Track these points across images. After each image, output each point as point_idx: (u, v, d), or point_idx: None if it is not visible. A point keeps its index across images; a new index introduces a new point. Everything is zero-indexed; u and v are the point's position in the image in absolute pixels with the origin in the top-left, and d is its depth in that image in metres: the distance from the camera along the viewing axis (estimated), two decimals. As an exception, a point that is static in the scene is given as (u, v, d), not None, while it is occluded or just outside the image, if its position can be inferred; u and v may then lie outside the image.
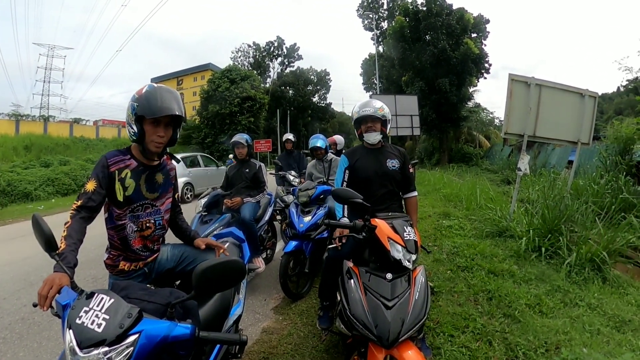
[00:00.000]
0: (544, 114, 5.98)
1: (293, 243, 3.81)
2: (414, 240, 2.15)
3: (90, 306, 1.28)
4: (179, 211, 2.37)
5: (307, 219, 4.00)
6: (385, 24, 34.71)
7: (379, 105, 2.81)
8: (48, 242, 1.50)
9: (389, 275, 2.05)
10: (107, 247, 2.06)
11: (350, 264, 2.23)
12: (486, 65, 25.91)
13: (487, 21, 26.55)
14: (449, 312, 3.34)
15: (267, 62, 58.03)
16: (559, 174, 10.31)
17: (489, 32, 26.78)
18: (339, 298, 2.60)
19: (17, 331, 3.67)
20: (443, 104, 24.01)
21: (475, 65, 24.53)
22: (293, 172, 5.41)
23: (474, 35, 25.97)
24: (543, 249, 4.61)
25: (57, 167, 21.96)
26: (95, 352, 1.18)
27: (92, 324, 1.23)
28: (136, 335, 1.22)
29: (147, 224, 2.04)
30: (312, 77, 59.67)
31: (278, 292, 4.05)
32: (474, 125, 27.67)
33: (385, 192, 2.80)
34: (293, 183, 5.09)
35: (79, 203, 1.80)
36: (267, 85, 53.07)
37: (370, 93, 36.58)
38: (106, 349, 1.18)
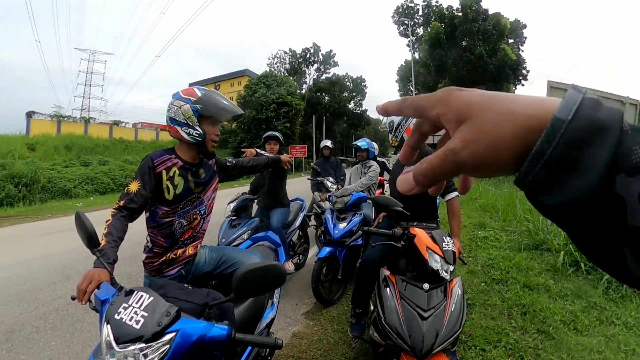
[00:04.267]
0: None
1: (327, 249, 3.82)
2: (453, 251, 2.15)
3: (130, 303, 1.30)
4: (236, 164, 2.46)
5: (343, 225, 4.01)
6: (420, 30, 34.39)
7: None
8: (90, 238, 1.53)
9: (425, 286, 2.05)
10: (146, 247, 2.09)
11: (387, 272, 2.24)
12: (524, 71, 25.31)
13: (524, 26, 26.01)
14: (482, 326, 3.29)
15: (303, 69, 58.12)
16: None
17: (526, 38, 26.23)
18: (372, 306, 2.61)
19: (51, 321, 3.79)
20: None
21: (512, 72, 24.04)
22: (331, 179, 5.42)
23: (510, 40, 25.45)
24: (581, 264, 4.48)
25: (97, 167, 22.81)
26: (132, 347, 1.19)
27: (130, 320, 1.25)
28: (173, 334, 1.24)
29: (194, 216, 2.09)
30: (347, 83, 59.58)
31: (310, 297, 4.06)
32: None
33: (419, 201, 2.75)
34: (330, 189, 5.13)
35: (121, 203, 1.83)
36: (303, 91, 53.30)
37: (407, 100, 36.32)
38: (142, 345, 1.20)
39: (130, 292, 1.34)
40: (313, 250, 5.37)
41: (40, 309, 4.08)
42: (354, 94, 60.40)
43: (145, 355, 1.17)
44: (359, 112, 62.05)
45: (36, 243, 7.33)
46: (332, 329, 3.45)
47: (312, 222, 5.57)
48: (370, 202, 4.50)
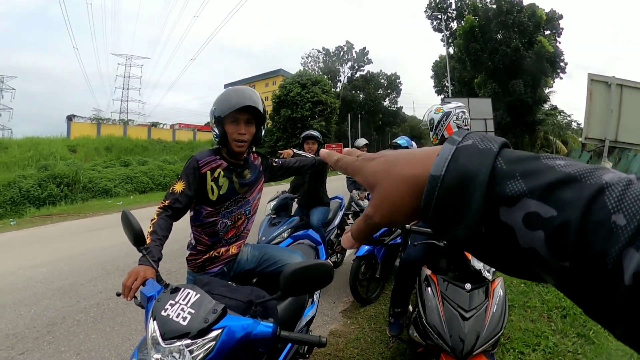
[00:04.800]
0: (626, 116, 5.55)
1: (365, 247, 3.79)
2: None
3: (177, 300, 1.32)
4: (282, 165, 2.43)
5: None
6: (454, 25, 33.66)
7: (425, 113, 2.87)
8: (137, 237, 1.56)
9: (467, 286, 2.05)
10: (190, 244, 2.12)
11: (429, 272, 2.24)
12: (562, 64, 24.42)
13: (560, 17, 25.03)
14: (521, 328, 3.25)
15: (337, 67, 57.94)
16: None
17: (562, 29, 25.31)
18: (411, 306, 2.63)
19: (92, 315, 3.92)
20: (517, 107, 22.90)
21: (550, 64, 23.22)
22: None
23: (547, 32, 24.58)
24: None
25: (136, 167, 23.55)
26: (178, 343, 1.21)
27: (177, 316, 1.27)
28: (219, 331, 1.25)
29: (239, 216, 2.10)
30: (382, 80, 58.93)
31: (347, 295, 4.09)
32: (550, 129, 26.13)
33: None
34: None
35: (166, 203, 1.86)
36: (338, 89, 53.09)
37: (442, 96, 35.63)
38: (189, 341, 1.21)
39: (176, 289, 1.38)
40: (351, 249, 5.39)
41: (82, 303, 4.24)
42: (388, 91, 59.62)
43: (191, 352, 1.20)
44: (394, 109, 61.23)
45: (78, 240, 7.65)
46: (369, 328, 3.47)
47: (350, 220, 5.60)
48: None
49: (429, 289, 2.13)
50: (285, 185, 5.44)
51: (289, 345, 1.88)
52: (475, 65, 25.61)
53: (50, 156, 22.47)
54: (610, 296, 0.27)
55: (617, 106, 5.56)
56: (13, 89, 52.05)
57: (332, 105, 36.88)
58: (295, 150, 4.06)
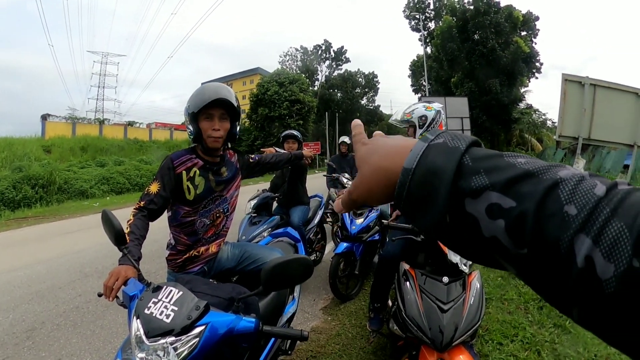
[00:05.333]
0: (599, 115, 5.73)
1: (344, 244, 3.84)
2: None
3: (159, 297, 1.32)
4: (259, 160, 2.45)
5: (360, 221, 4.05)
6: (432, 25, 34.07)
7: (407, 111, 2.84)
8: (118, 236, 1.54)
9: (445, 279, 2.08)
10: (169, 244, 2.09)
11: (407, 266, 2.26)
12: (537, 64, 25.04)
13: (537, 18, 25.71)
14: (499, 320, 3.31)
15: (315, 66, 57.75)
16: (615, 178, 9.83)
17: (538, 30, 25.98)
18: (390, 301, 2.64)
19: (72, 319, 3.85)
20: (494, 106, 23.35)
21: (526, 64, 23.76)
22: (347, 175, 5.44)
23: (523, 33, 25.16)
24: None
25: (112, 167, 23.21)
26: (162, 341, 1.21)
27: (160, 314, 1.27)
28: (202, 327, 1.26)
29: (217, 214, 2.09)
30: (360, 79, 59.01)
31: (327, 292, 4.11)
32: (525, 127, 26.76)
33: None
34: (346, 185, 5.16)
35: (141, 204, 1.85)
36: (316, 88, 52.97)
37: (419, 95, 36.02)
38: (173, 338, 1.22)
39: (159, 288, 1.37)
40: (330, 247, 5.42)
41: (61, 307, 4.15)
42: (366, 89, 59.73)
43: (175, 349, 1.20)
44: (371, 108, 61.33)
45: (55, 243, 7.48)
46: (350, 323, 3.49)
47: (329, 218, 5.62)
48: None
49: (408, 283, 2.15)
50: (265, 184, 5.42)
51: (272, 341, 1.90)
52: (453, 64, 25.98)
53: (25, 157, 22.01)
54: (565, 280, 0.29)
55: (591, 105, 5.74)
56: None
57: (309, 104, 36.84)
58: (277, 149, 4.06)
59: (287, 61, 56.54)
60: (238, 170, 2.23)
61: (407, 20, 35.00)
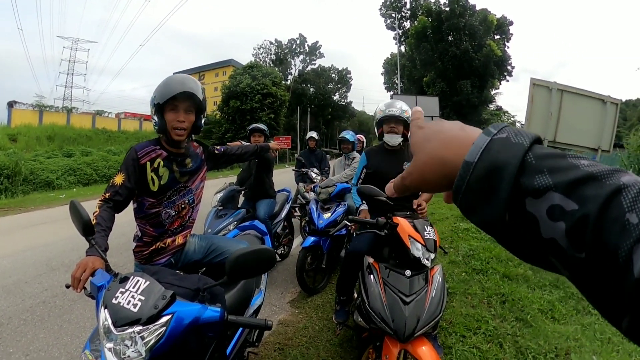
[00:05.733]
0: (565, 119, 5.93)
1: (311, 238, 3.86)
2: (434, 240, 2.21)
3: (127, 287, 1.34)
4: (225, 152, 2.44)
5: (327, 215, 4.07)
6: (407, 24, 34.51)
7: (405, 108, 2.80)
8: (86, 226, 1.54)
9: (407, 272, 2.11)
10: (136, 236, 2.09)
11: (371, 260, 2.28)
12: (509, 67, 25.68)
13: (511, 23, 26.35)
14: (462, 314, 3.39)
15: (288, 59, 57.74)
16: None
17: (512, 34, 26.62)
18: (356, 294, 2.66)
19: (38, 314, 3.79)
20: (464, 106, 23.86)
21: (497, 67, 24.36)
22: (315, 170, 5.46)
23: (497, 37, 25.75)
24: None
25: (79, 158, 22.56)
26: (129, 330, 1.22)
27: (127, 304, 1.28)
28: (169, 316, 1.27)
29: (182, 205, 2.09)
30: (333, 75, 59.39)
31: (294, 286, 4.13)
32: (494, 128, 27.53)
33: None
34: (315, 180, 5.17)
35: (107, 195, 1.84)
36: (288, 82, 52.92)
37: (392, 93, 36.44)
38: (140, 327, 1.23)
39: (126, 278, 1.37)
40: (297, 241, 5.43)
41: (27, 302, 4.07)
42: (339, 85, 60.23)
43: (142, 338, 1.21)
44: (343, 104, 61.88)
45: (20, 236, 7.26)
46: (316, 316, 3.51)
47: (297, 212, 5.61)
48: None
49: (372, 276, 2.17)
50: (232, 177, 5.36)
51: (239, 332, 1.96)
52: (425, 64, 26.38)
53: None
54: (619, 288, 0.29)
55: (557, 109, 5.92)
56: None
57: (282, 97, 36.72)
58: (243, 143, 4.02)
59: (261, 54, 56.47)
60: (203, 161, 2.23)
61: (383, 19, 35.38)
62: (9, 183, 15.93)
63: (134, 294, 1.31)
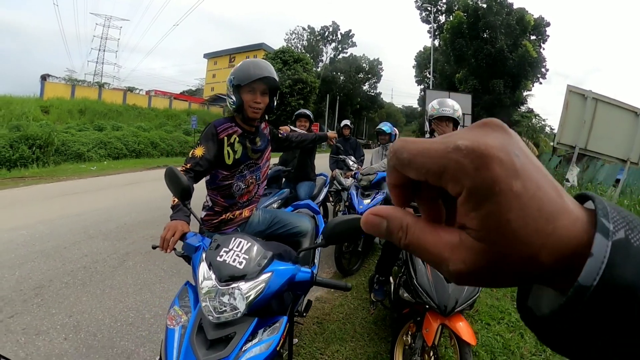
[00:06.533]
0: (597, 128, 5.96)
1: None
2: None
3: (230, 247, 1.48)
4: (287, 137, 2.65)
5: (367, 201, 4.29)
6: (442, 18, 34.01)
7: (457, 107, 2.97)
8: (184, 192, 1.65)
9: None
10: (206, 206, 2.25)
11: None
12: (543, 70, 25.08)
13: (548, 24, 25.70)
14: (487, 304, 3.60)
15: (320, 47, 57.37)
16: (606, 191, 10.08)
17: (548, 36, 25.98)
18: (392, 279, 2.92)
19: (80, 278, 3.94)
20: (495, 106, 23.43)
21: (531, 68, 23.82)
22: (352, 158, 5.69)
23: (532, 37, 25.16)
24: None
25: (110, 132, 22.85)
26: (234, 285, 1.36)
27: (233, 262, 1.42)
28: (269, 274, 1.42)
29: (251, 180, 2.26)
30: (364, 64, 58.67)
31: (330, 267, 4.37)
32: (524, 130, 26.88)
33: None
34: (352, 168, 5.39)
35: (187, 166, 1.98)
36: (319, 69, 52.40)
37: (422, 87, 36.13)
38: (243, 283, 1.37)
39: (227, 239, 1.53)
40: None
41: (68, 266, 4.22)
42: (369, 75, 59.37)
43: (244, 292, 1.35)
44: (373, 94, 61.18)
45: (54, 204, 7.48)
46: (351, 296, 3.75)
47: (331, 198, 5.83)
48: None
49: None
50: (274, 159, 5.62)
51: (301, 298, 2.19)
52: (459, 60, 26.01)
53: (23, 116, 21.41)
54: None
55: (590, 118, 5.93)
56: None
57: (312, 84, 36.27)
58: (291, 127, 4.29)
59: (293, 39, 56.09)
60: (269, 142, 2.42)
61: (419, 11, 34.96)
62: (41, 153, 16.31)
63: (238, 253, 1.45)
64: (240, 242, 1.51)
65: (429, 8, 32.66)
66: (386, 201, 4.40)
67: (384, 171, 4.91)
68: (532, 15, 24.42)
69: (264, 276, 1.41)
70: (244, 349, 1.32)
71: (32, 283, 3.78)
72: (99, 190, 9.67)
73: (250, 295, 1.36)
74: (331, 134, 3.23)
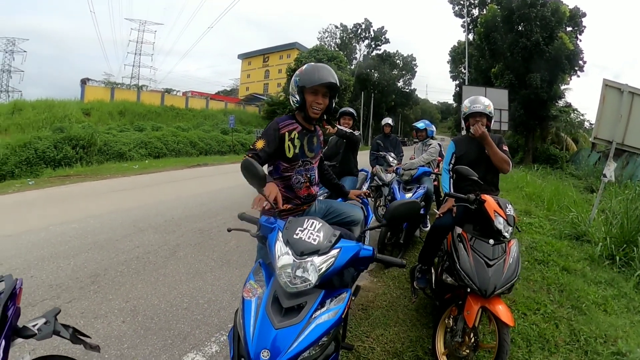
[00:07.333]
0: (634, 122, 5.83)
1: None
2: (513, 216, 2.63)
3: (304, 227, 1.69)
4: (326, 168, 2.86)
5: (409, 195, 4.52)
6: (476, 12, 33.35)
7: (487, 103, 3.18)
8: (261, 180, 1.84)
9: (491, 241, 2.55)
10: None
11: (460, 230, 2.73)
12: (580, 62, 24.12)
13: (584, 14, 24.71)
14: (524, 296, 3.75)
15: (353, 44, 57.39)
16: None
17: (585, 27, 25.02)
18: (433, 269, 3.18)
19: (134, 267, 4.20)
20: (532, 101, 22.73)
21: (568, 61, 22.88)
22: (392, 154, 5.87)
23: (569, 29, 24.25)
24: (617, 257, 4.82)
25: (150, 132, 23.91)
26: (309, 258, 1.56)
27: (308, 239, 1.63)
28: (338, 250, 1.63)
29: (309, 176, 2.44)
30: (398, 61, 58.49)
31: None
32: (562, 126, 26.10)
33: (485, 175, 3.09)
34: (392, 164, 5.60)
35: (249, 155, 2.15)
36: (353, 67, 52.51)
37: (457, 82, 35.60)
38: (317, 256, 1.57)
39: (302, 220, 1.74)
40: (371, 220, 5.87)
41: (121, 257, 4.50)
42: (403, 72, 59.14)
43: (316, 265, 1.56)
44: (407, 91, 60.75)
45: (102, 200, 7.97)
46: (394, 285, 3.98)
47: (371, 193, 6.04)
48: (433, 176, 5.08)
49: (461, 243, 2.63)
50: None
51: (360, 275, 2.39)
52: (494, 54, 25.43)
53: (65, 118, 22.72)
54: None
55: (627, 112, 5.81)
56: (24, 51, 52.93)
57: (346, 82, 36.26)
58: (338, 126, 4.54)
59: (326, 38, 56.17)
60: (321, 143, 2.64)
61: (451, 5, 34.42)
62: (84, 153, 17.36)
63: (312, 232, 1.67)
64: (313, 222, 1.73)
65: (462, 2, 32.03)
66: (427, 195, 4.64)
67: (424, 166, 5.15)
68: (567, 6, 23.50)
69: (334, 251, 1.62)
70: (314, 316, 1.50)
71: (88, 272, 4.06)
72: (143, 187, 10.20)
73: (322, 268, 1.57)
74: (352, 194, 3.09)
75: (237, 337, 1.58)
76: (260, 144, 2.24)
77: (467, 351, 2.40)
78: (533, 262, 4.74)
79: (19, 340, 1.45)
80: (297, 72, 2.32)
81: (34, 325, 1.49)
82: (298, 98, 2.32)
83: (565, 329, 3.22)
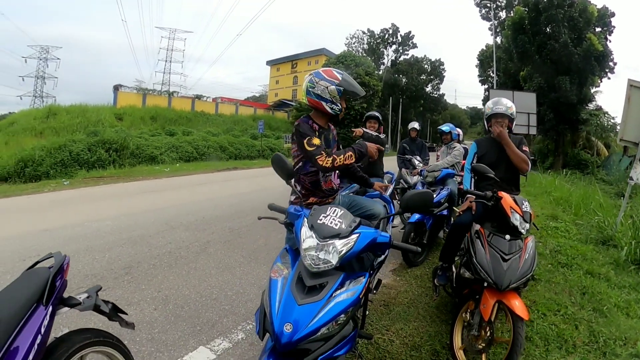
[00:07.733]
0: None
1: (417, 216, 4.38)
2: (530, 213, 2.73)
3: (327, 213, 1.86)
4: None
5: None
6: (503, 14, 33.00)
7: (509, 105, 3.29)
8: (289, 173, 2.11)
9: (507, 236, 2.66)
10: (293, 192, 2.57)
11: (477, 226, 2.86)
12: (610, 64, 23.46)
13: (612, 14, 24.08)
14: (545, 297, 3.77)
15: (381, 49, 57.55)
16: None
17: (614, 27, 24.35)
18: (454, 264, 3.26)
19: (166, 261, 4.39)
20: (562, 104, 22.23)
21: (598, 63, 22.29)
22: (418, 157, 6.00)
23: (597, 29, 23.58)
24: None
25: (181, 137, 24.66)
26: (331, 241, 1.72)
27: (330, 223, 1.79)
28: (357, 235, 1.77)
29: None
30: (426, 66, 58.24)
31: (395, 258, 4.71)
32: (593, 129, 25.26)
33: (505, 174, 3.20)
34: (417, 167, 5.67)
35: (323, 153, 2.33)
36: (381, 72, 52.52)
37: (487, 87, 35.17)
38: (338, 240, 1.73)
39: (325, 208, 1.93)
40: (396, 221, 5.95)
41: (154, 251, 4.74)
42: (431, 77, 58.89)
43: (338, 247, 1.71)
44: (436, 96, 60.42)
45: (135, 200, 8.36)
46: (416, 284, 4.09)
47: (397, 195, 6.05)
48: (457, 178, 5.19)
49: (478, 239, 2.75)
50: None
51: (376, 270, 2.68)
52: (522, 57, 25.00)
53: (98, 123, 23.55)
54: None
55: None
56: (58, 58, 54.61)
57: (374, 87, 36.13)
58: (364, 129, 4.69)
59: (354, 43, 56.58)
60: (337, 141, 2.81)
61: (478, 9, 34.10)
62: (117, 156, 18.18)
63: (334, 218, 1.84)
64: (335, 210, 1.90)
65: (489, 4, 31.69)
66: (450, 196, 4.74)
67: (448, 168, 5.25)
68: (595, 5, 22.93)
69: (354, 236, 1.77)
70: (334, 295, 1.65)
71: (122, 264, 4.28)
72: (175, 189, 10.60)
73: (342, 251, 1.72)
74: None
75: (263, 314, 1.74)
76: (317, 141, 2.39)
77: (483, 345, 2.49)
78: (556, 265, 4.74)
79: (65, 309, 1.66)
80: (334, 81, 2.46)
81: (78, 297, 1.73)
82: (340, 106, 2.54)
83: (585, 330, 3.22)
